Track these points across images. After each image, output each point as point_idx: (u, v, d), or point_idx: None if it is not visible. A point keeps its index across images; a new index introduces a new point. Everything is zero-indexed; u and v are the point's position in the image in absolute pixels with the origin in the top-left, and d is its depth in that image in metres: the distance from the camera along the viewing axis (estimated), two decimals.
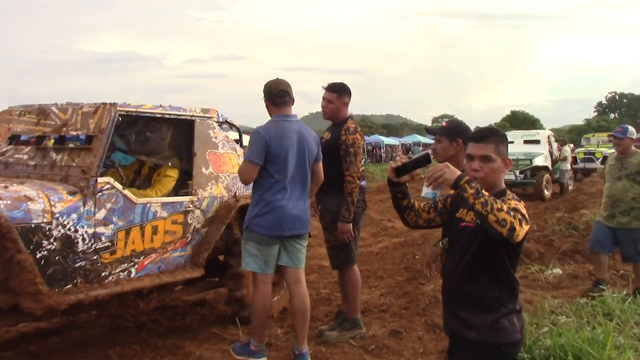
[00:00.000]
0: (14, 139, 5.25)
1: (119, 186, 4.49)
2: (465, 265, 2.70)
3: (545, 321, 4.78)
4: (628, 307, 5.40)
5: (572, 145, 29.57)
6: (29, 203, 4.02)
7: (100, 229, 4.38)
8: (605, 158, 24.60)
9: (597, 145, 26.72)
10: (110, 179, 4.46)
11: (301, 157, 4.38)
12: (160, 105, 4.90)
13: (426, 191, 2.59)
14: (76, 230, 4.24)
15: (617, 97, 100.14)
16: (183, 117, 5.06)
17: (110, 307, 4.72)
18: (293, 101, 4.45)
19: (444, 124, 3.58)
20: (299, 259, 4.44)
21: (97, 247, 4.37)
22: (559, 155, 18.15)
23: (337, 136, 4.88)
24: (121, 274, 4.53)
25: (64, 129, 4.74)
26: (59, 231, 4.14)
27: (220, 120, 5.36)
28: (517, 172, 16.75)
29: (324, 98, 4.99)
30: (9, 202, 3.94)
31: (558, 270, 7.29)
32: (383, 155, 46.88)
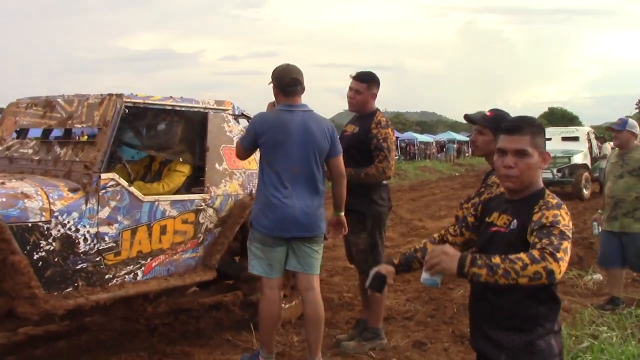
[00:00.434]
0: (22, 133, 5.04)
1: (124, 183, 4.21)
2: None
3: (585, 333, 4.36)
4: None
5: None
6: (25, 201, 3.76)
7: (103, 229, 4.11)
8: None
9: None
10: (115, 175, 4.19)
11: (305, 151, 3.98)
12: (171, 97, 4.62)
13: (425, 277, 2.23)
14: (77, 230, 3.97)
15: None
16: (195, 110, 4.77)
17: (115, 311, 4.45)
18: (304, 89, 4.09)
19: (487, 113, 3.16)
20: (309, 264, 4.08)
21: (100, 247, 4.10)
22: (599, 153, 17.43)
23: (366, 130, 4.50)
24: (126, 276, 4.26)
25: (69, 121, 4.49)
26: (59, 231, 3.88)
27: (236, 113, 5.05)
28: (555, 170, 16.20)
29: (351, 88, 4.61)
30: (4, 199, 3.68)
31: (599, 276, 6.81)
32: (416, 152, 46.22)
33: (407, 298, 6.06)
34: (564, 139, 18.01)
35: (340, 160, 4.14)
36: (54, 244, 3.85)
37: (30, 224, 3.75)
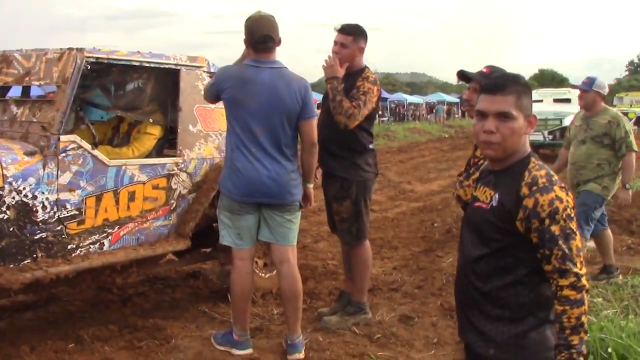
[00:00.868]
0: None
1: (86, 145, 3.87)
2: (481, 259, 2.06)
3: None
4: None
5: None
6: None
7: (64, 195, 3.78)
8: (639, 119, 23.56)
9: (631, 105, 25.61)
10: (77, 137, 3.85)
11: (269, 112, 3.61)
12: (138, 52, 4.24)
13: None
14: (34, 197, 3.65)
15: None
16: (166, 67, 4.40)
17: (81, 283, 4.15)
18: (279, 42, 3.70)
19: (484, 69, 2.84)
20: (282, 235, 3.75)
21: (61, 216, 3.79)
22: None
23: (351, 87, 4.11)
24: (91, 246, 3.95)
25: (27, 78, 4.11)
26: (13, 198, 3.55)
27: (212, 70, 4.67)
28: (546, 133, 15.92)
29: (336, 42, 4.19)
30: None
31: (592, 244, 6.57)
32: (406, 113, 45.79)
33: (393, 266, 5.79)
34: (556, 100, 17.76)
35: (312, 125, 3.76)
36: (8, 212, 3.53)
37: None
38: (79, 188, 3.85)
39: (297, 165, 3.80)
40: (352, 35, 4.17)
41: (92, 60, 3.94)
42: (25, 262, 3.63)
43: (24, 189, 3.60)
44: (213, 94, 3.73)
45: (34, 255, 3.67)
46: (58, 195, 3.75)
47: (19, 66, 4.18)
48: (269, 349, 3.82)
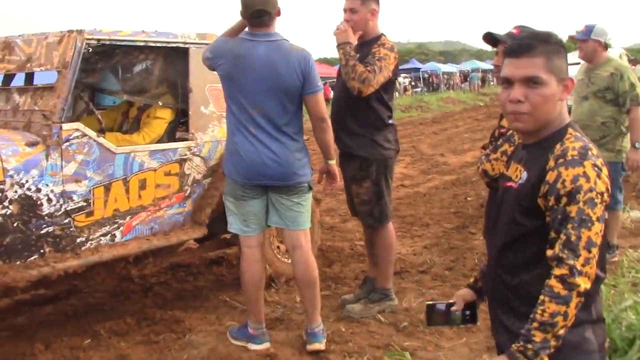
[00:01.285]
0: None
1: (91, 133, 3.68)
2: (508, 248, 1.78)
3: (625, 286, 3.79)
4: None
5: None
6: None
7: (70, 187, 3.61)
8: None
9: None
10: (80, 125, 3.66)
11: (266, 89, 3.34)
12: (143, 31, 4.02)
13: None
14: (38, 190, 3.48)
15: None
16: (174, 45, 4.17)
17: (95, 277, 3.99)
18: (279, 13, 3.41)
19: (513, 30, 2.53)
20: (292, 219, 3.51)
21: (68, 208, 3.62)
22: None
23: (366, 55, 3.77)
24: (102, 238, 3.79)
25: (29, 64, 3.93)
26: (15, 192, 3.39)
27: None
28: None
29: (345, 9, 3.86)
30: None
31: (637, 213, 6.19)
32: (440, 83, 44.97)
33: (424, 245, 5.52)
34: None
35: (317, 99, 3.46)
36: (10, 207, 3.37)
37: None
38: (85, 178, 3.67)
39: (303, 143, 3.54)
40: None
41: (93, 42, 3.73)
42: (32, 258, 3.47)
43: (27, 181, 3.43)
44: (209, 66, 3.53)
45: (41, 251, 3.52)
46: (63, 186, 3.58)
47: (21, 52, 4.00)
48: (288, 342, 3.59)
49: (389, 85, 3.90)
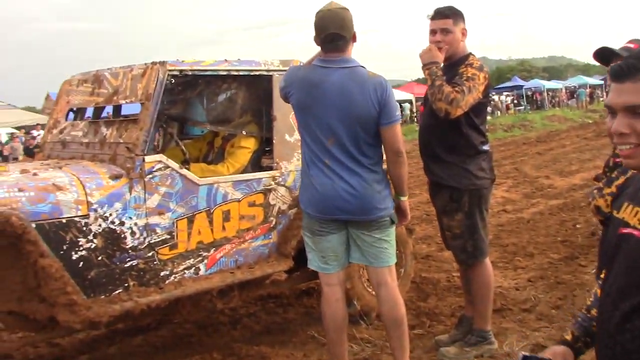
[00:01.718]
0: (79, 113, 4.61)
1: (174, 165, 3.62)
2: (636, 312, 1.45)
3: None
4: None
5: None
6: (57, 193, 3.27)
7: (154, 219, 3.56)
8: None
9: None
10: (163, 157, 3.61)
11: (341, 118, 3.11)
12: (225, 60, 3.96)
13: None
14: (122, 223, 3.45)
15: None
16: (257, 73, 4.08)
17: (181, 309, 3.92)
18: (354, 38, 3.21)
19: (629, 44, 2.21)
20: (374, 256, 3.26)
21: (152, 241, 3.57)
22: None
23: (453, 77, 3.51)
24: (186, 272, 3.71)
25: (115, 97, 3.96)
26: (99, 225, 3.37)
27: None
28: None
29: (434, 31, 3.60)
30: (32, 193, 3.21)
31: None
32: (544, 100, 43.26)
33: (528, 278, 5.10)
34: None
35: (395, 131, 3.20)
36: (95, 240, 3.35)
37: (64, 220, 3.26)
38: (168, 210, 3.61)
39: (383, 174, 3.30)
40: (452, 17, 3.57)
41: (175, 73, 3.70)
42: (117, 292, 3.44)
43: (111, 215, 3.41)
44: (283, 99, 3.39)
45: (125, 285, 3.48)
46: (147, 219, 3.53)
47: (109, 85, 4.05)
48: None
49: (481, 108, 3.61)
